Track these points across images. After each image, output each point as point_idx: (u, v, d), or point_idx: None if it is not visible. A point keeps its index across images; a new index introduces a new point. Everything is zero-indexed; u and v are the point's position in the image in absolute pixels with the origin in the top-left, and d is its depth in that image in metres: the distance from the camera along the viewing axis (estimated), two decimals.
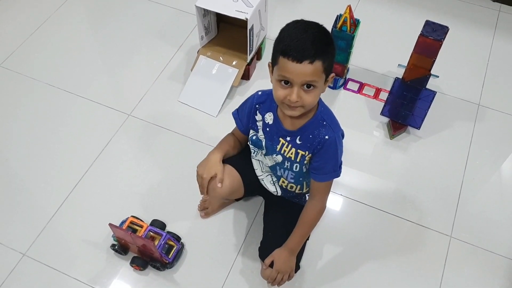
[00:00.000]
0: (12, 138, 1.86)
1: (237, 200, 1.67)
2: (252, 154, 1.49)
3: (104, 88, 2.03)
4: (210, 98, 1.95)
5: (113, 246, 1.54)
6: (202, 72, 1.98)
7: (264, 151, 1.42)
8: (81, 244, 1.60)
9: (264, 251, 1.46)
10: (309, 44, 1.12)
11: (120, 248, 1.53)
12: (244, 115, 1.42)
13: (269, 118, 1.35)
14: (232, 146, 1.48)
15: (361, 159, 1.84)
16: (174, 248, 1.53)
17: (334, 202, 1.72)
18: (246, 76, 2.01)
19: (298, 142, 1.33)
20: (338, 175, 1.37)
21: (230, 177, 1.45)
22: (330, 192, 1.71)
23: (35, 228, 1.63)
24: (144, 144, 1.85)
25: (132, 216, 1.57)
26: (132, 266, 1.52)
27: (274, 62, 1.20)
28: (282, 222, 1.48)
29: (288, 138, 1.33)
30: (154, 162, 1.80)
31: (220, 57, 1.98)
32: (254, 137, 1.42)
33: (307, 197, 1.50)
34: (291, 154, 1.35)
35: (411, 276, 1.56)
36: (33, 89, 2.01)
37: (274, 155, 1.39)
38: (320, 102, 1.31)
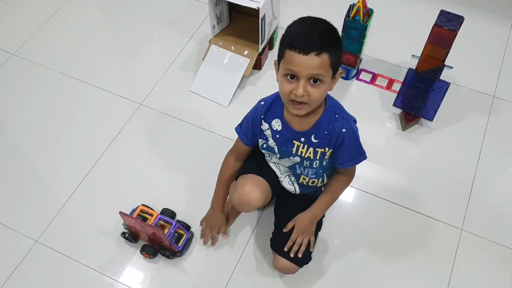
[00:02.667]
0: (25, 126, 1.88)
1: (264, 207, 1.65)
2: (266, 157, 1.47)
3: (116, 77, 2.04)
4: (221, 88, 1.95)
5: (123, 234, 1.55)
6: (214, 62, 1.97)
7: (278, 155, 1.41)
8: (92, 231, 1.61)
9: (276, 242, 1.46)
10: (315, 36, 1.11)
11: (131, 236, 1.55)
12: (249, 129, 1.40)
13: (277, 124, 1.33)
14: (229, 181, 1.51)
15: (373, 150, 1.81)
16: (184, 236, 1.53)
17: (345, 193, 1.69)
18: (257, 66, 2.00)
19: (314, 140, 1.31)
20: (365, 157, 1.36)
21: (261, 188, 1.41)
22: None
23: (48, 215, 1.65)
24: (155, 133, 1.86)
25: (142, 204, 1.58)
26: (142, 254, 1.54)
27: (280, 57, 1.18)
28: (295, 212, 1.47)
29: (302, 139, 1.31)
30: (165, 152, 1.81)
31: (232, 47, 1.97)
32: (265, 145, 1.40)
33: (322, 188, 1.49)
34: (310, 153, 1.33)
35: (421, 268, 1.56)
36: (45, 77, 2.03)
37: (291, 157, 1.37)
38: (326, 96, 1.29)
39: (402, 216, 1.66)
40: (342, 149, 1.31)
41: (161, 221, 1.54)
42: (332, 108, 1.29)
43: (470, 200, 1.69)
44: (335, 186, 1.43)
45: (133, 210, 1.58)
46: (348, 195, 1.71)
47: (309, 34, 1.11)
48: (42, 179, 1.74)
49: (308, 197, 1.50)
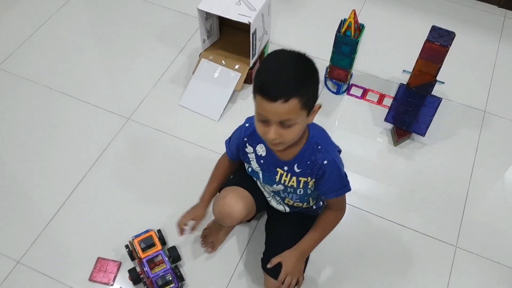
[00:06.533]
0: (9, 141, 1.83)
1: (249, 221, 1.62)
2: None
3: (104, 91, 2.00)
4: (211, 102, 1.92)
5: (127, 247, 1.52)
6: (204, 76, 1.94)
7: (262, 183, 1.38)
8: (76, 251, 1.56)
9: (266, 262, 1.41)
10: (283, 82, 1.06)
11: (131, 254, 1.52)
12: (234, 147, 1.38)
13: (261, 150, 1.31)
14: (221, 180, 1.47)
15: (365, 166, 1.80)
16: (171, 286, 1.44)
17: None
18: (248, 80, 1.98)
19: (297, 170, 1.28)
20: (349, 189, 1.32)
21: (243, 200, 1.39)
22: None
23: (31, 235, 1.59)
24: (143, 149, 1.82)
25: (154, 231, 1.53)
26: (128, 276, 1.49)
27: (253, 95, 1.13)
28: (286, 232, 1.44)
29: (285, 168, 1.29)
30: (153, 167, 1.77)
31: (223, 61, 1.95)
32: (249, 169, 1.38)
33: (314, 207, 1.46)
34: (293, 182, 1.30)
35: (416, 287, 1.53)
36: (31, 91, 1.98)
37: (275, 185, 1.35)
38: (310, 125, 1.25)
39: (396, 233, 1.64)
40: (324, 180, 1.27)
41: (159, 257, 1.47)
42: (315, 139, 1.25)
43: (464, 216, 1.68)
44: (325, 222, 1.37)
45: (144, 232, 1.52)
46: None
47: (278, 78, 1.06)
48: (25, 197, 1.69)
49: (299, 215, 1.47)
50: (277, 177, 1.31)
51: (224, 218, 1.39)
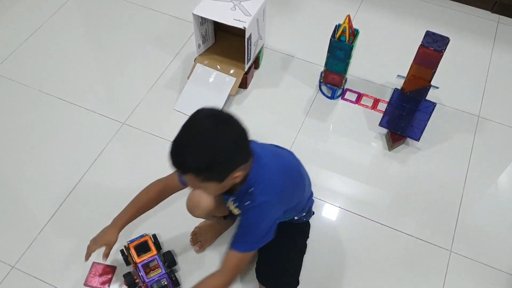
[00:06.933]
0: (3, 146, 1.82)
1: (225, 218, 1.59)
2: None
3: (98, 95, 2.00)
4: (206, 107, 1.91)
5: (122, 252, 1.51)
6: (199, 80, 1.95)
7: None
8: (71, 256, 1.55)
9: (259, 272, 1.43)
10: (179, 160, 1.05)
11: (126, 259, 1.51)
12: None
13: None
14: (143, 207, 1.38)
15: (359, 170, 1.81)
16: None
17: (331, 213, 1.69)
18: (243, 84, 1.98)
19: (235, 204, 1.26)
20: (248, 249, 1.21)
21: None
22: (328, 203, 1.70)
23: (25, 240, 1.58)
24: (138, 153, 1.81)
25: (149, 236, 1.51)
26: (124, 281, 1.48)
27: None
28: (276, 241, 1.43)
29: (230, 198, 1.27)
30: (148, 172, 1.75)
31: (218, 66, 1.95)
32: None
33: (296, 218, 1.45)
34: (238, 211, 1.27)
35: None
36: (25, 96, 1.97)
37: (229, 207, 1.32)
38: (253, 170, 1.16)
39: (391, 238, 1.64)
40: (239, 222, 1.22)
41: (154, 262, 1.47)
42: (251, 183, 1.17)
43: (459, 220, 1.68)
44: (204, 283, 1.24)
45: (140, 236, 1.51)
46: (334, 216, 1.68)
47: (176, 153, 1.05)
48: (20, 202, 1.68)
49: (287, 224, 1.44)
50: (228, 203, 1.29)
51: (193, 208, 1.37)
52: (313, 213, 1.57)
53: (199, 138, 1.04)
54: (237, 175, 1.10)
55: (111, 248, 1.37)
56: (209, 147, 1.03)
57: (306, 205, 1.46)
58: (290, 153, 1.38)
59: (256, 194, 1.17)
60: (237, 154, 1.08)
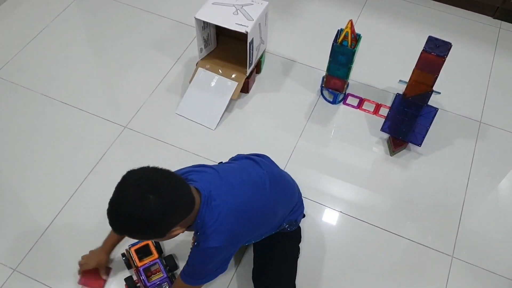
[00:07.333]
0: (5, 149, 1.82)
1: None
2: None
3: (100, 99, 2.00)
4: (208, 111, 1.92)
5: (123, 255, 1.52)
6: (201, 85, 1.95)
7: None
8: (73, 259, 1.55)
9: (255, 278, 1.43)
10: (110, 222, 1.07)
11: (128, 263, 1.51)
12: None
13: None
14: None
15: (361, 175, 1.81)
16: None
17: (332, 218, 1.69)
18: (245, 89, 1.98)
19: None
20: (198, 283, 1.23)
21: None
22: (329, 208, 1.70)
23: (27, 243, 1.58)
24: (140, 157, 1.81)
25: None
26: (125, 285, 1.48)
27: None
28: (267, 253, 1.44)
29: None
30: None
31: (219, 70, 1.96)
32: None
33: (286, 226, 1.44)
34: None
35: None
36: (27, 99, 1.98)
37: None
38: (201, 214, 1.15)
39: (392, 243, 1.64)
40: (189, 253, 1.23)
41: (157, 265, 1.47)
42: (198, 227, 1.17)
43: (460, 226, 1.68)
44: None
45: (142, 240, 1.51)
46: (335, 220, 1.68)
47: (109, 216, 1.06)
48: (21, 205, 1.68)
49: (275, 234, 1.44)
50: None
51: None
52: (304, 216, 1.56)
53: (126, 208, 1.03)
54: (176, 231, 1.10)
55: (104, 268, 1.49)
56: (137, 218, 1.02)
57: (286, 220, 1.41)
58: (262, 176, 1.30)
59: (202, 240, 1.16)
60: (169, 217, 1.06)
